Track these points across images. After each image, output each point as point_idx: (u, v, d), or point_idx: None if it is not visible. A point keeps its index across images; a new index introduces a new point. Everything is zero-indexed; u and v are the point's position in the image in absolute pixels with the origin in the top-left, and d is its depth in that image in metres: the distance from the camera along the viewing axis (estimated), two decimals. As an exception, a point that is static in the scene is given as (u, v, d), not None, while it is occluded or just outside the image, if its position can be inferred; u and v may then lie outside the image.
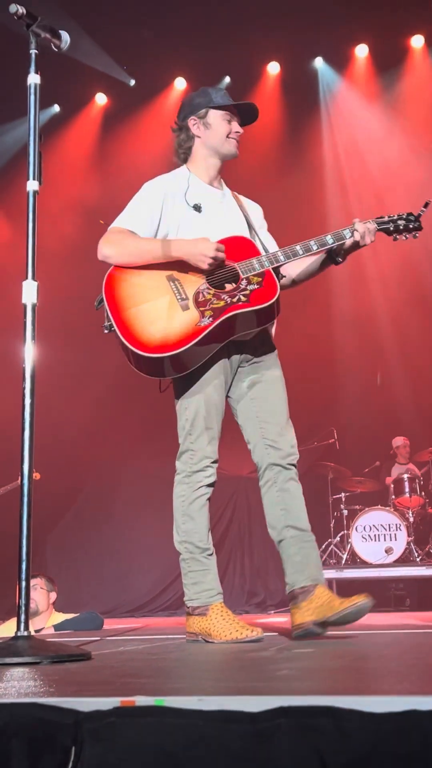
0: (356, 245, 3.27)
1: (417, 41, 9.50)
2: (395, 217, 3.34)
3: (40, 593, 5.50)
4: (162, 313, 3.20)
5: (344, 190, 9.95)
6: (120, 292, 3.27)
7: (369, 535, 8.06)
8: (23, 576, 2.50)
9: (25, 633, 2.45)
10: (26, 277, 2.72)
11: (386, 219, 3.34)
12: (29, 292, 2.71)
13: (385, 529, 8.04)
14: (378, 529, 8.06)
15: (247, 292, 3.18)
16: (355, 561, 8.11)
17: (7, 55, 6.55)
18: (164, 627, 5.38)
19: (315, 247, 3.25)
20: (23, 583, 2.49)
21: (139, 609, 9.00)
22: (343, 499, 8.64)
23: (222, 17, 8.76)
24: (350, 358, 9.66)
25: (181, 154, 3.53)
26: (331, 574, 8.03)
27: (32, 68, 2.87)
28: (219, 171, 3.53)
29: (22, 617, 2.48)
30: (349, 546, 8.17)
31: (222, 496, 8.88)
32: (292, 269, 3.51)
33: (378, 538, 8.03)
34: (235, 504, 9.36)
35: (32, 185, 2.78)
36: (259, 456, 3.30)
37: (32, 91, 2.87)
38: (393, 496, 8.51)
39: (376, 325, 9.77)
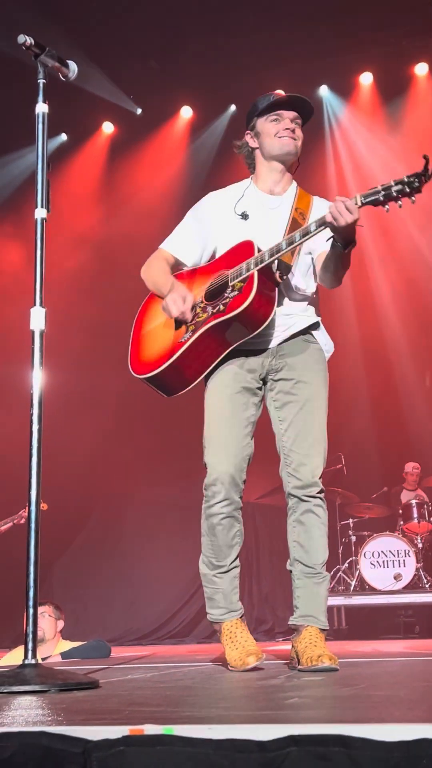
0: (333, 227, 2.91)
1: (421, 69, 9.56)
2: (391, 183, 2.93)
3: (47, 621, 5.47)
4: (161, 333, 3.26)
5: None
6: (141, 315, 3.41)
7: (377, 562, 8.01)
8: (31, 603, 2.49)
9: (33, 661, 2.44)
10: (34, 304, 2.73)
11: (378, 188, 2.91)
12: (37, 318, 2.72)
13: (394, 555, 7.98)
14: (386, 555, 8.00)
15: (227, 300, 3.07)
16: (363, 587, 8.04)
17: (16, 84, 6.62)
18: (172, 655, 5.34)
19: (298, 238, 3.03)
20: (31, 611, 2.48)
21: (147, 637, 8.92)
22: (351, 525, 8.58)
23: (228, 47, 8.84)
24: (357, 382, 9.63)
25: (252, 169, 3.49)
26: (339, 600, 7.98)
27: (40, 97, 2.92)
28: (283, 173, 3.41)
29: (30, 645, 2.46)
30: (357, 572, 8.11)
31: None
32: (317, 263, 3.29)
33: (387, 565, 7.97)
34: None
35: (40, 213, 2.81)
36: (283, 479, 3.23)
37: (40, 120, 2.90)
38: (401, 522, 8.46)
39: (385, 347, 9.74)
